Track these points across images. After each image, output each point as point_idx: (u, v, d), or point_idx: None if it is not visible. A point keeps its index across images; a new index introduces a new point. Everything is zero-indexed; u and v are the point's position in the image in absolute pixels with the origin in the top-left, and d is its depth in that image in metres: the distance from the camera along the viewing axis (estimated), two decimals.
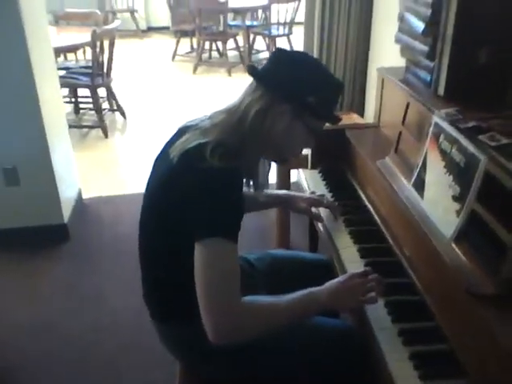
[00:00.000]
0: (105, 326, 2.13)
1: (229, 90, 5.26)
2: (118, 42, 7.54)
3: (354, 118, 2.92)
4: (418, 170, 1.35)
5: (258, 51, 6.62)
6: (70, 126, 4.33)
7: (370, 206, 1.58)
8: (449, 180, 1.18)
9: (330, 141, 1.86)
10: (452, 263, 1.09)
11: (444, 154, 1.23)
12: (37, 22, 2.45)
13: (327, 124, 1.25)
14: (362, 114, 3.08)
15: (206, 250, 1.00)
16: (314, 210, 1.56)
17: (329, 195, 1.68)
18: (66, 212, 2.79)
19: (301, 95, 1.12)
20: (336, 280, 1.16)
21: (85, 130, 4.51)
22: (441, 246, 1.14)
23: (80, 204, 3.09)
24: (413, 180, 1.37)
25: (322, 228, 1.55)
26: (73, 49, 4.37)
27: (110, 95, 4.56)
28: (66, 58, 5.01)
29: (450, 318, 1.08)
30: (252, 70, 1.15)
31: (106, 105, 4.72)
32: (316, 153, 1.90)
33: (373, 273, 1.18)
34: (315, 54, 2.97)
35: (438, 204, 1.23)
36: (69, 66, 4.64)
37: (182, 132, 1.18)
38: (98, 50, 3.97)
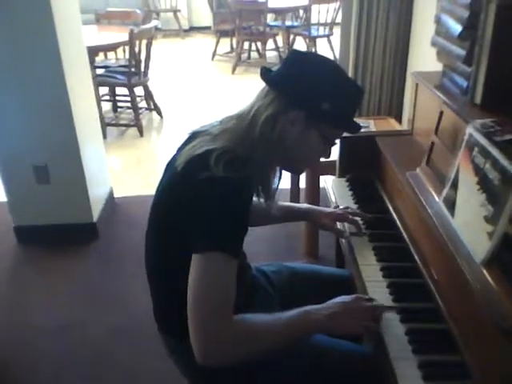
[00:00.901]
0: (123, 331, 2.11)
1: None
2: (160, 41, 7.73)
3: (391, 124, 2.80)
4: (450, 185, 1.24)
5: None
6: (108, 125, 4.42)
7: (398, 221, 1.48)
8: (481, 199, 1.07)
9: (359, 148, 1.77)
10: (481, 291, 0.98)
11: (477, 169, 1.12)
12: (69, 22, 2.46)
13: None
14: (400, 119, 2.96)
15: (202, 263, 0.95)
16: (338, 225, 1.48)
17: (355, 207, 1.59)
18: (96, 211, 2.80)
19: (314, 101, 1.04)
20: (338, 300, 1.09)
21: (122, 128, 4.55)
22: (470, 271, 1.04)
23: (111, 203, 3.10)
24: (443, 196, 1.26)
25: (344, 241, 1.46)
26: (112, 48, 4.42)
27: (147, 94, 4.59)
28: (106, 56, 5.09)
29: (477, 352, 0.98)
30: (263, 73, 1.08)
31: (143, 104, 4.76)
32: (344, 161, 1.80)
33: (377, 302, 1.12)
34: (351, 57, 2.88)
35: (470, 224, 1.12)
36: (108, 64, 4.71)
37: (192, 137, 1.13)
38: (136, 49, 4.00)
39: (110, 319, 2.19)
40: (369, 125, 2.71)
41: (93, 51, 3.80)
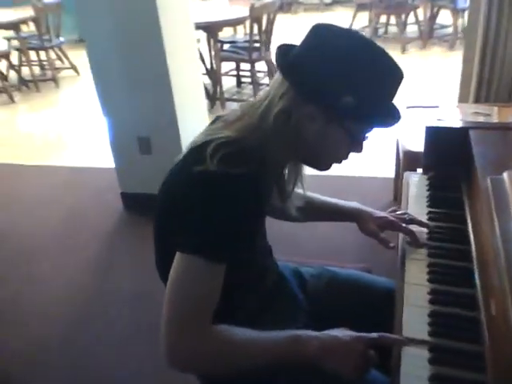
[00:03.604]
0: None
1: None
2: (301, 15, 7.63)
3: None
4: None
5: (443, 26, 5.89)
6: (228, 100, 4.50)
7: (472, 236, 1.22)
8: None
9: (448, 142, 1.51)
10: None
11: None
12: None
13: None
14: None
15: (182, 264, 0.88)
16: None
17: (425, 211, 1.35)
18: None
19: (334, 94, 0.86)
20: (335, 333, 0.92)
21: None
22: None
23: None
24: None
25: (399, 249, 1.25)
26: (234, 23, 4.45)
27: (270, 70, 4.54)
28: (235, 31, 5.14)
29: None
30: (277, 54, 0.93)
31: (267, 80, 4.72)
32: (429, 155, 1.54)
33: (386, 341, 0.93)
34: (480, 31, 2.46)
35: None
36: (235, 39, 4.75)
37: (213, 122, 1.04)
38: (263, 23, 3.95)
39: None
40: (491, 112, 2.33)
41: (214, 26, 3.86)
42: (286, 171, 1.01)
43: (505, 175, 1.18)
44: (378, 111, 0.91)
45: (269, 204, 0.99)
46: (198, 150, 0.92)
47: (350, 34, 0.91)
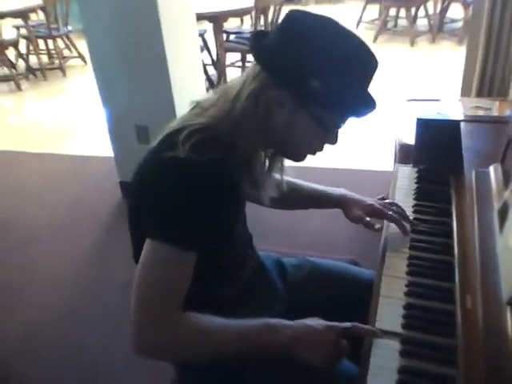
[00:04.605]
0: None
1: (407, 62, 4.75)
2: (311, 7, 7.55)
3: None
4: (509, 193, 0.95)
5: (454, 20, 5.80)
6: None
7: (455, 230, 1.21)
8: None
9: (439, 135, 1.48)
10: (493, 335, 0.74)
11: None
12: None
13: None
14: None
15: (149, 249, 0.88)
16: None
17: (411, 204, 1.34)
18: None
19: (301, 78, 0.85)
20: (307, 322, 0.91)
21: None
22: (493, 306, 0.79)
23: None
24: (500, 207, 0.98)
25: (382, 240, 1.23)
26: (237, 14, 4.42)
27: None
28: (242, 22, 5.12)
29: None
30: (251, 39, 0.92)
31: None
32: (419, 148, 1.53)
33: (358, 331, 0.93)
34: (484, 23, 2.42)
35: None
36: (241, 30, 4.72)
37: (192, 108, 1.03)
38: (269, 14, 3.92)
39: None
40: (491, 106, 2.29)
41: (219, 17, 3.85)
42: (259, 159, 1.00)
43: (491, 169, 1.16)
44: (348, 99, 0.88)
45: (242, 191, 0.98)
46: (171, 136, 0.92)
47: (323, 21, 0.89)
